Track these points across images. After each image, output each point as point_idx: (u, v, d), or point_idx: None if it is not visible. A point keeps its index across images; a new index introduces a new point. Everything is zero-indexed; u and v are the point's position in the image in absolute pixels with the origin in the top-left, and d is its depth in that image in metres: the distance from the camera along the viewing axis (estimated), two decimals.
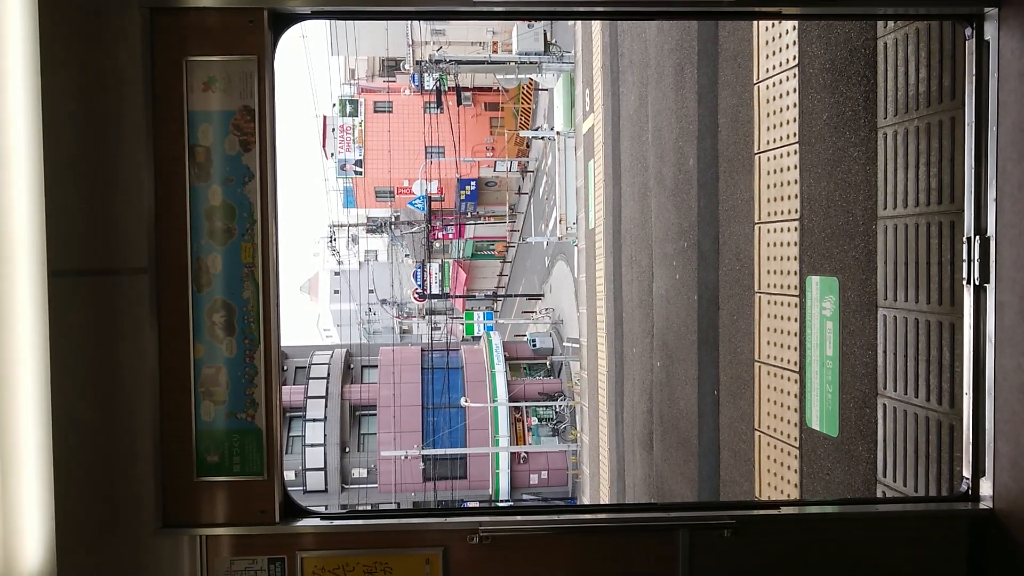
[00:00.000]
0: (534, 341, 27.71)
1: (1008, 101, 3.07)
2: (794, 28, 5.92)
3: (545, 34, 23.26)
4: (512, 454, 24.51)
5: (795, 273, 6.01)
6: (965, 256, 3.24)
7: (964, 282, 3.25)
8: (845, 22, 5.15)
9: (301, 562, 3.08)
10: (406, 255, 40.10)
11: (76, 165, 2.68)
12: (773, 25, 6.26)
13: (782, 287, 6.22)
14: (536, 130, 30.03)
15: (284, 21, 3.07)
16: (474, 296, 36.17)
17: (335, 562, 3.09)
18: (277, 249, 3.05)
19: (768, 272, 6.48)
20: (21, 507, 2.31)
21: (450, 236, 36.57)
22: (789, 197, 6.05)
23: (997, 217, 3.12)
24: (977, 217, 3.21)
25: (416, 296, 35.41)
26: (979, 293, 3.20)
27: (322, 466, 23.78)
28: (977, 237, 3.19)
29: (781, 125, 6.15)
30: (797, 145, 5.91)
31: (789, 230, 6.06)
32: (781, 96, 6.14)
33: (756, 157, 6.62)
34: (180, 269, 2.98)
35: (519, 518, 3.15)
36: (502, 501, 23.76)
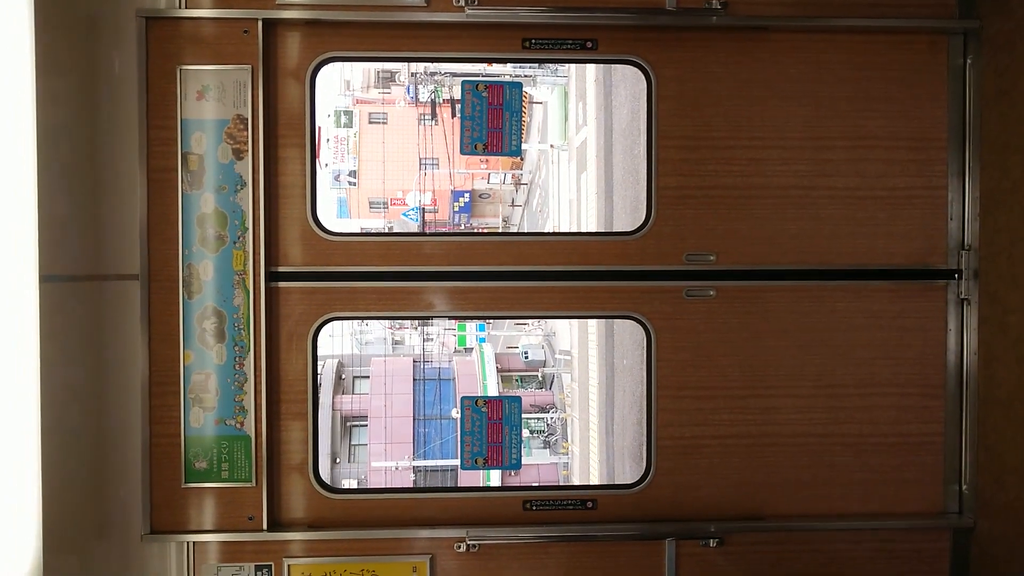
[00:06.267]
0: (526, 353, 27.62)
1: (990, 118, 3.12)
2: None
3: None
4: None
5: None
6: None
7: (948, 296, 3.29)
8: None
9: (288, 569, 3.09)
10: None
11: (69, 171, 2.70)
12: None
13: None
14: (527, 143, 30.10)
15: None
16: None
17: (322, 569, 3.10)
18: (269, 257, 3.07)
19: None
20: (8, 511, 2.32)
21: None
22: None
23: (980, 233, 3.17)
24: (961, 233, 3.26)
25: None
26: (962, 307, 3.25)
27: None
28: (962, 252, 3.24)
29: None
30: None
31: None
32: None
33: None
34: (171, 275, 3.01)
35: (506, 528, 3.17)
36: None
